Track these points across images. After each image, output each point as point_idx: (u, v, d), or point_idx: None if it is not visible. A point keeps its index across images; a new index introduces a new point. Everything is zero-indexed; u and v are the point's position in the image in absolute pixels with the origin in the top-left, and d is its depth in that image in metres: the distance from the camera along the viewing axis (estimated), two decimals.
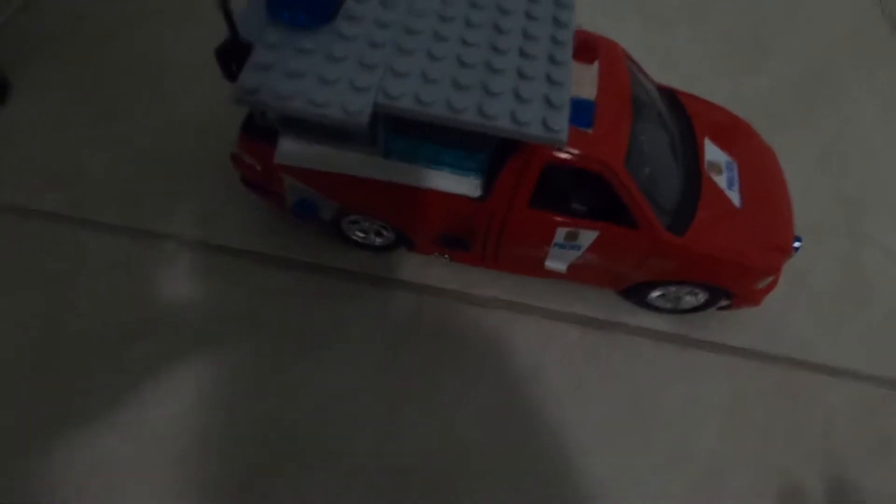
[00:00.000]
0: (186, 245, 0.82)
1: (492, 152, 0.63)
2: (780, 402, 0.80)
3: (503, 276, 0.83)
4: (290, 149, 0.64)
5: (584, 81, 0.64)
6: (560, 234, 0.68)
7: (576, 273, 0.76)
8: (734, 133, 0.80)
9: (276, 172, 0.68)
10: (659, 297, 0.79)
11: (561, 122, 0.52)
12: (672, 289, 0.77)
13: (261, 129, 0.65)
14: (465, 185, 0.66)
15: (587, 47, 0.66)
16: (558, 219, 0.67)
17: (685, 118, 0.77)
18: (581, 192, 0.64)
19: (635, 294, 0.80)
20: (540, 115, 0.52)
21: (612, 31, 0.73)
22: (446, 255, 0.80)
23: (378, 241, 0.80)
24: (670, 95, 0.80)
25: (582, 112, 0.61)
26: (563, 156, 0.59)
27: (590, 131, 0.61)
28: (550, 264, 0.75)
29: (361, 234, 0.80)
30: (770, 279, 0.74)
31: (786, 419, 0.78)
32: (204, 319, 0.76)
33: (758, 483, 0.72)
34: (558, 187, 0.64)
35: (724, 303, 0.77)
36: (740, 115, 0.84)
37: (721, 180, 0.73)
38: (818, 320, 0.86)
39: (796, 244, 0.74)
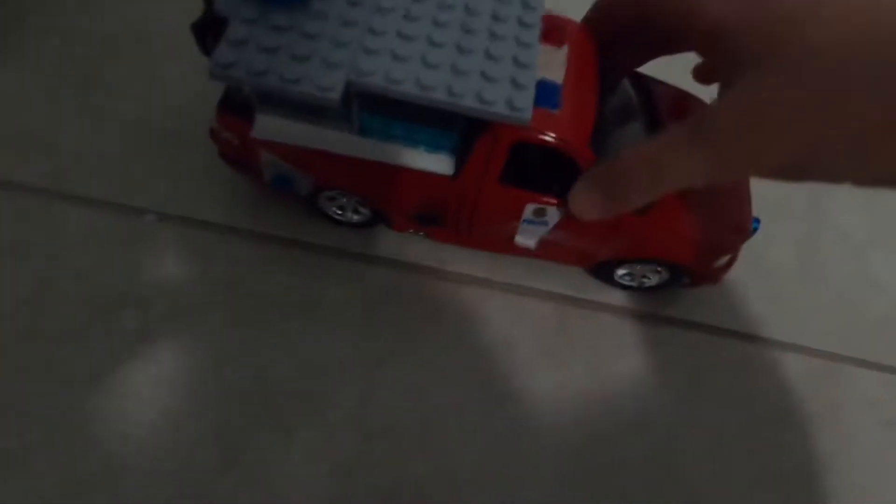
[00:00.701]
0: (166, 219, 0.83)
1: (463, 131, 0.66)
2: (737, 374, 0.84)
3: (477, 254, 0.86)
4: (266, 124, 0.66)
5: (553, 64, 0.66)
6: (528, 210, 0.71)
7: (545, 250, 0.80)
8: (684, 106, 0.83)
9: (253, 147, 0.70)
10: (625, 275, 0.83)
11: (525, 102, 0.55)
12: (637, 267, 0.81)
13: (238, 105, 0.67)
14: (438, 162, 0.68)
15: (557, 31, 0.69)
16: (527, 195, 0.70)
17: (652, 103, 0.80)
18: (548, 170, 0.67)
19: (603, 272, 0.84)
20: (505, 95, 0.54)
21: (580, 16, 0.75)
22: (422, 233, 0.82)
23: (355, 217, 0.82)
24: (639, 81, 0.82)
25: (549, 93, 0.63)
26: (530, 135, 0.62)
27: (556, 112, 0.63)
28: (520, 240, 0.78)
29: (339, 211, 0.82)
30: (728, 258, 0.78)
31: (741, 389, 0.83)
32: (184, 291, 0.78)
33: (713, 448, 0.77)
34: (527, 165, 0.67)
35: (685, 281, 0.81)
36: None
37: None
38: (774, 298, 0.91)
39: (755, 225, 0.78)
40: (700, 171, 0.40)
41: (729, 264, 0.80)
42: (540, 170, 0.68)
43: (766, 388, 0.83)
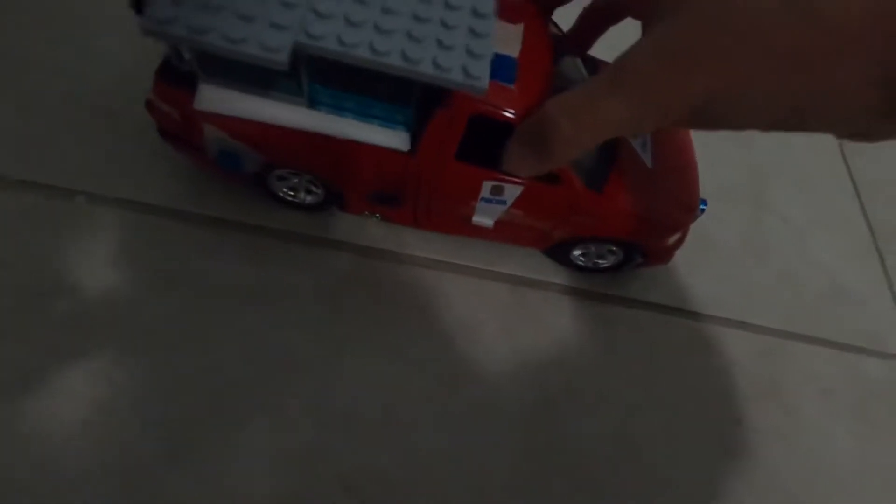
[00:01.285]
0: (100, 201, 0.77)
1: (418, 106, 0.64)
2: (688, 351, 0.87)
3: (435, 238, 0.85)
4: (210, 95, 0.62)
5: (509, 39, 0.66)
6: (486, 187, 0.71)
7: (502, 230, 0.79)
8: None
9: (195, 121, 0.65)
10: (580, 255, 0.84)
11: (482, 71, 0.54)
12: (592, 247, 0.82)
13: (179, 74, 0.63)
14: (394, 138, 0.67)
15: (511, 9, 0.69)
16: (484, 173, 0.69)
17: None
18: (504, 146, 0.66)
19: (559, 253, 0.85)
20: (461, 63, 0.53)
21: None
22: (377, 215, 0.80)
23: (308, 199, 0.79)
24: (592, 64, 0.83)
25: (505, 68, 0.63)
26: (486, 108, 0.61)
27: (512, 87, 0.63)
28: (478, 219, 0.77)
29: (290, 192, 0.79)
30: (678, 237, 0.80)
31: (693, 367, 0.85)
32: (122, 279, 0.72)
33: (668, 422, 0.79)
34: (484, 141, 0.66)
35: (638, 260, 0.83)
36: None
37: (636, 143, 0.78)
38: (721, 277, 0.95)
39: (702, 206, 0.81)
40: (619, 116, 0.41)
41: (679, 242, 0.82)
42: (496, 146, 0.67)
43: (715, 364, 0.86)
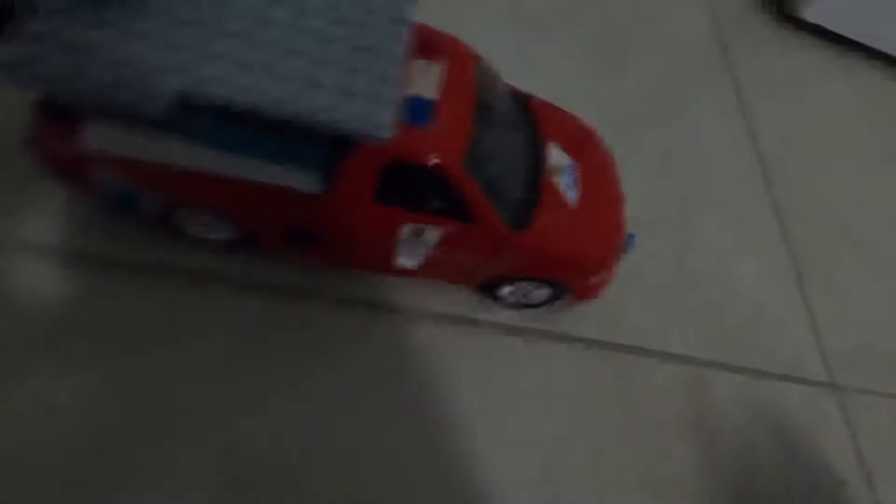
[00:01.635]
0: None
1: (333, 145, 0.61)
2: (617, 385, 0.87)
3: (358, 275, 0.81)
4: (100, 134, 0.57)
5: (427, 79, 0.64)
6: (406, 230, 0.68)
7: (428, 270, 0.77)
8: (579, 138, 0.85)
9: (85, 160, 0.60)
10: (509, 292, 0.83)
11: (385, 119, 0.51)
12: (521, 285, 0.81)
13: (62, 108, 0.57)
14: (303, 179, 0.63)
15: (433, 45, 0.67)
16: (403, 215, 0.66)
17: (533, 123, 0.80)
18: (424, 189, 0.64)
19: (488, 290, 0.83)
20: (363, 110, 0.51)
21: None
22: (295, 253, 0.76)
23: (218, 236, 0.74)
24: (522, 100, 0.83)
25: (420, 110, 0.61)
26: (399, 154, 0.59)
27: (427, 129, 0.61)
28: (401, 261, 0.74)
29: (198, 228, 0.74)
30: (604, 273, 0.80)
31: (622, 400, 0.85)
32: (12, 326, 0.66)
33: (597, 457, 0.78)
34: (401, 184, 0.63)
35: (566, 297, 0.82)
36: (594, 118, 0.90)
37: (561, 182, 0.78)
38: (650, 309, 0.96)
39: (630, 242, 0.81)
40: None
41: (606, 279, 0.82)
42: (415, 188, 0.65)
43: (644, 396, 0.87)
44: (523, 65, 1.11)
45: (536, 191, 0.74)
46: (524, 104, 0.81)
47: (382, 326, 0.79)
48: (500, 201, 0.69)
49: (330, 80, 0.50)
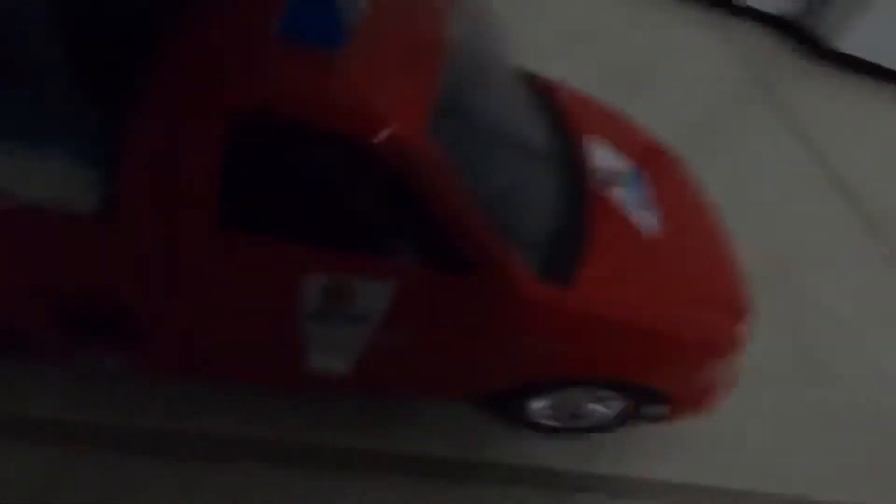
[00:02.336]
0: None
1: (116, 111, 0.26)
2: None
3: (241, 392, 0.42)
4: None
5: None
6: (313, 287, 0.30)
7: (375, 376, 0.37)
8: (629, 135, 0.52)
9: None
10: (544, 408, 0.43)
11: None
12: (565, 394, 0.41)
13: None
14: (64, 186, 0.27)
15: None
16: (297, 253, 0.29)
17: (558, 113, 0.47)
18: (341, 190, 0.28)
19: (506, 407, 0.44)
20: None
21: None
22: (102, 359, 0.37)
23: None
24: (538, 83, 0.51)
25: (327, 20, 0.26)
26: (278, 97, 0.23)
27: (342, 55, 0.26)
28: (317, 359, 0.35)
29: None
30: (729, 359, 0.41)
31: None
32: None
33: None
34: (285, 178, 0.27)
35: (653, 411, 0.43)
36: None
37: (623, 196, 0.42)
38: (770, 434, 0.55)
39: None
40: None
41: (730, 370, 0.44)
42: (321, 190, 0.28)
43: None
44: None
45: (580, 214, 0.38)
46: (541, 87, 0.49)
47: (289, 486, 0.39)
48: (515, 231, 0.33)
49: None
